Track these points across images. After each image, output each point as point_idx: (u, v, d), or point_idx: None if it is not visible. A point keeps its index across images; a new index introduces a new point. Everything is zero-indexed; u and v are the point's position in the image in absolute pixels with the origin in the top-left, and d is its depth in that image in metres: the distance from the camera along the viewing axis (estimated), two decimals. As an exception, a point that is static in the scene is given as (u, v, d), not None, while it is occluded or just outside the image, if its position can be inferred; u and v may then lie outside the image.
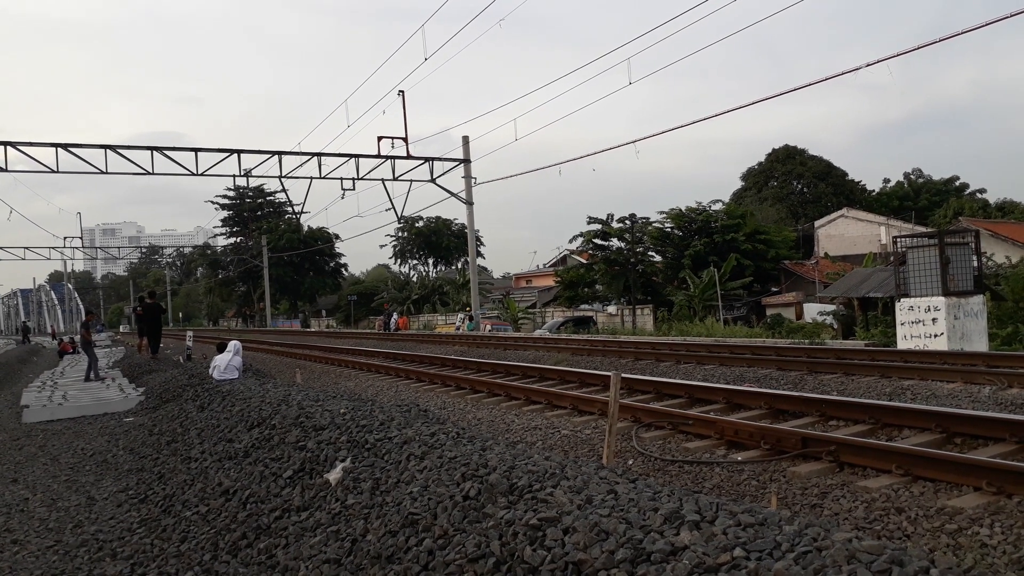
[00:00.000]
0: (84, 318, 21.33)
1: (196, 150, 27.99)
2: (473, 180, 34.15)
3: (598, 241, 41.08)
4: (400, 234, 69.01)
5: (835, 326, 26.25)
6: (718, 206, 41.28)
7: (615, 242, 40.71)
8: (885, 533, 4.98)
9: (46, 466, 9.58)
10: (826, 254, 43.95)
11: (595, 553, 3.24)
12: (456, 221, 67.17)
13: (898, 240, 16.92)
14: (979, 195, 59.70)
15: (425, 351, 23.66)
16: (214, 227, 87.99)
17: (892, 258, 20.36)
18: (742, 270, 36.88)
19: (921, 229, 35.43)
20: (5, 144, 25.42)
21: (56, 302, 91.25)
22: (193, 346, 23.71)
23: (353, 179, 30.98)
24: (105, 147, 26.60)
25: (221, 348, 14.08)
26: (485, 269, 74.24)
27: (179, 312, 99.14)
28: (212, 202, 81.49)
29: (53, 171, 26.10)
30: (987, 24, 14.11)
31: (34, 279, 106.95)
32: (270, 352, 28.97)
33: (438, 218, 67.98)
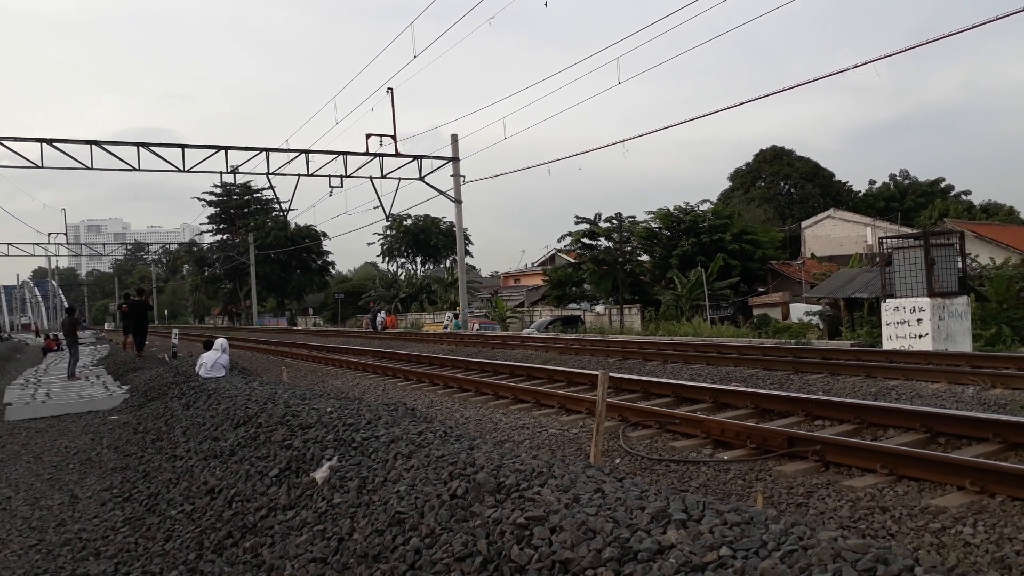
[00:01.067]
0: (71, 314, 21.09)
1: (183, 146, 27.83)
2: (462, 178, 34.14)
3: (586, 240, 41.12)
4: (388, 232, 68.87)
5: (821, 326, 26.39)
6: (706, 206, 41.41)
7: (603, 241, 40.77)
8: (870, 532, 5.01)
9: (29, 464, 9.50)
10: (812, 255, 44.18)
11: (582, 552, 3.24)
12: (444, 219, 67.10)
13: (884, 241, 17.04)
14: (964, 197, 60.21)
15: (413, 350, 23.63)
16: (200, 224, 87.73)
17: (878, 259, 20.50)
18: (729, 270, 37.02)
19: (907, 230, 35.67)
20: (-11, 139, 25.19)
21: (40, 299, 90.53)
22: (178, 344, 23.56)
23: (341, 176, 30.91)
24: (90, 142, 26.40)
25: (208, 346, 14.01)
26: (473, 268, 74.17)
27: (165, 309, 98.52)
28: (199, 199, 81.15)
29: (37, 166, 25.89)
30: (974, 27, 14.24)
31: (17, 276, 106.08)
32: (256, 350, 28.84)
33: (426, 216, 67.88)
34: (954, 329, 15.31)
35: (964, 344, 15.34)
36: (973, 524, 4.88)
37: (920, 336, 15.14)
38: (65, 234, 54.14)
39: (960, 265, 16.09)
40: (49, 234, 51.23)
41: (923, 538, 4.81)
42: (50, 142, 25.88)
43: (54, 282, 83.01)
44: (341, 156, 30.32)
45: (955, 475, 5.56)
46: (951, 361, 12.15)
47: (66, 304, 45.43)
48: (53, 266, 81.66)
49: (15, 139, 25.69)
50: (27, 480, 8.63)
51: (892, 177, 65.87)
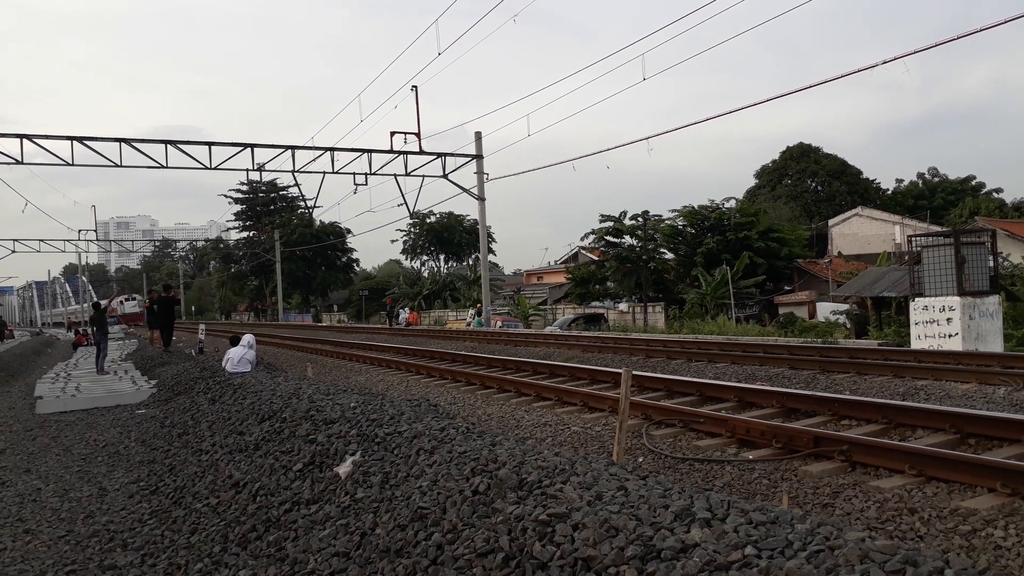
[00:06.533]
0: (98, 310, 21.37)
1: (210, 144, 28.07)
2: (485, 176, 34.11)
3: (610, 238, 40.94)
4: (412, 230, 69.06)
5: (848, 325, 26.08)
6: (731, 204, 41.10)
7: (627, 239, 40.58)
8: (898, 534, 4.94)
9: (59, 457, 9.65)
10: (840, 253, 43.70)
11: (605, 550, 3.22)
12: (468, 217, 67.13)
13: (913, 239, 16.79)
14: (995, 195, 59.17)
15: (436, 347, 23.68)
16: (227, 221, 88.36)
17: (907, 257, 20.21)
18: (755, 268, 36.70)
19: (936, 228, 35.15)
20: (21, 137, 25.60)
21: (70, 294, 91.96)
22: (205, 339, 23.81)
23: (366, 174, 30.98)
24: (120, 140, 26.72)
25: (234, 341, 14.15)
26: (496, 265, 74.28)
27: (191, 305, 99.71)
28: (225, 196, 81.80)
29: (68, 164, 26.27)
30: (1006, 21, 13.94)
31: (49, 271, 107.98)
32: (282, 346, 29.08)
33: (450, 213, 67.97)
34: (985, 329, 15.05)
35: (995, 344, 15.08)
36: (1004, 527, 4.79)
37: (950, 336, 14.91)
38: (95, 231, 54.67)
39: (991, 264, 15.82)
40: (79, 230, 51.90)
41: (953, 540, 4.73)
42: (81, 140, 26.24)
43: (84, 278, 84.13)
44: (366, 154, 30.41)
45: (986, 477, 5.46)
46: (982, 361, 11.94)
47: (94, 299, 46.05)
48: (83, 262, 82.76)
49: (47, 136, 26.09)
50: (57, 472, 8.77)
51: (921, 175, 64.94)
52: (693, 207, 40.26)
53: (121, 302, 74.92)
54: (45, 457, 9.67)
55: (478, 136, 33.93)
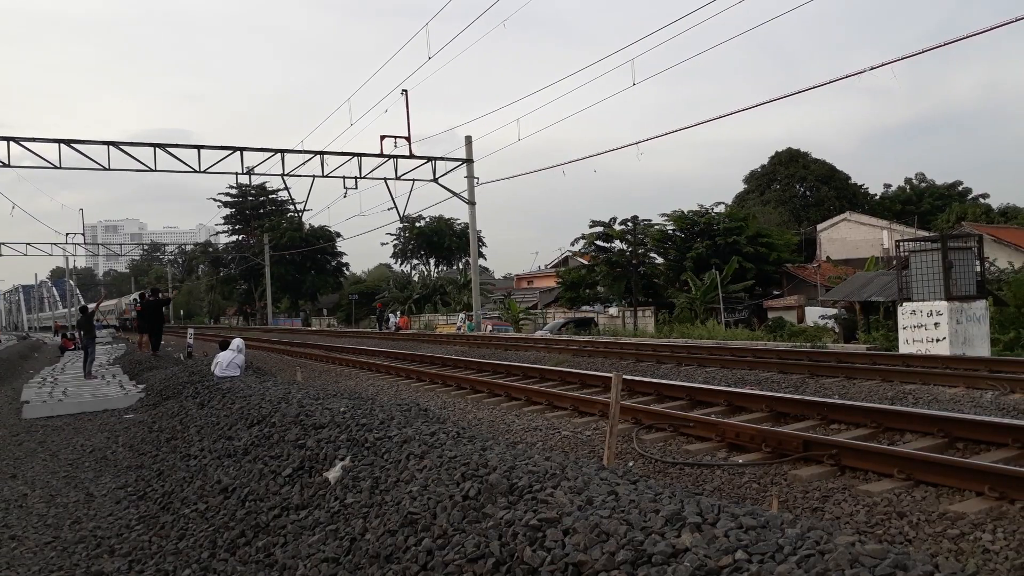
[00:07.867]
0: (85, 313, 21.24)
1: (199, 147, 27.98)
2: (476, 180, 34.13)
3: (600, 243, 41.01)
4: (402, 234, 68.93)
5: (837, 330, 26.20)
6: (720, 208, 41.24)
7: (617, 244, 40.66)
8: (887, 537, 4.96)
9: (45, 462, 9.57)
10: (828, 258, 43.92)
11: (595, 554, 3.22)
12: (458, 221, 67.08)
13: (901, 244, 16.89)
14: (982, 200, 59.62)
15: (426, 351, 23.64)
16: (216, 224, 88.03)
17: (895, 262, 20.32)
18: (744, 273, 36.82)
19: (924, 233, 35.37)
20: (8, 139, 25.44)
21: (58, 298, 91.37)
22: (194, 344, 23.69)
23: (355, 178, 30.96)
24: (108, 143, 26.59)
25: (224, 346, 14.08)
26: (486, 269, 74.14)
27: (180, 310, 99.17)
28: (214, 200, 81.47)
29: (56, 167, 26.11)
30: (994, 28, 14.07)
31: (36, 275, 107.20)
32: (271, 350, 28.96)
33: (440, 217, 67.87)
34: (972, 333, 15.16)
35: (982, 348, 15.19)
36: (992, 530, 4.81)
37: (937, 340, 15.00)
38: (83, 234, 54.42)
39: (978, 269, 15.93)
40: (67, 234, 51.56)
41: (941, 544, 4.76)
42: (68, 143, 26.10)
43: (71, 282, 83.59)
44: (356, 157, 30.40)
45: (974, 480, 5.49)
46: (969, 365, 12.02)
47: (81, 302, 45.72)
48: (71, 266, 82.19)
49: (34, 139, 25.93)
50: (43, 478, 8.70)
51: (908, 180, 65.34)
52: (682, 212, 40.39)
53: (134, 301, 73.71)
54: (31, 462, 9.59)
55: (468, 140, 33.96)
